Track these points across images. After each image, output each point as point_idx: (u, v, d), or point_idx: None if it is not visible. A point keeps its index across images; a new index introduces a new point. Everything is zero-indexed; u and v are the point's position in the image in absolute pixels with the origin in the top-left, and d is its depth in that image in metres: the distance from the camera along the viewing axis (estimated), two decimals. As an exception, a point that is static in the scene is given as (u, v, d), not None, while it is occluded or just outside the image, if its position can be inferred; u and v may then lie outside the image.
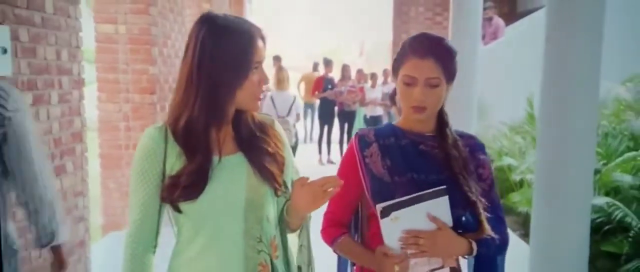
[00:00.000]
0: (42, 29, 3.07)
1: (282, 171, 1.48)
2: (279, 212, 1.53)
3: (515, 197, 5.30)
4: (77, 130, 3.49)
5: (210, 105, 1.37)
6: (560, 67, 3.01)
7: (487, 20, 8.72)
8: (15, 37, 2.80)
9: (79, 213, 3.54)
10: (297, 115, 6.34)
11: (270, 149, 1.47)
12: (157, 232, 1.46)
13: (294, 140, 5.99)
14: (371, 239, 1.61)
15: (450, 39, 5.43)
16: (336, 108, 9.46)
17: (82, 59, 3.57)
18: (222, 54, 1.35)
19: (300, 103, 7.06)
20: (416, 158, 1.58)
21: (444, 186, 1.48)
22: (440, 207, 1.48)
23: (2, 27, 2.68)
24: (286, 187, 1.49)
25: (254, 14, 11.54)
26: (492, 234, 1.54)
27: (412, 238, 1.47)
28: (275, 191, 1.46)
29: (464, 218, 1.54)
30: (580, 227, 3.07)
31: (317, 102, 10.13)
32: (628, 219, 3.25)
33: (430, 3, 10.45)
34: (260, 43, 1.40)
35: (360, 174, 1.59)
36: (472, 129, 5.62)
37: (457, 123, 1.68)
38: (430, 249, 1.48)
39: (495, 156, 6.20)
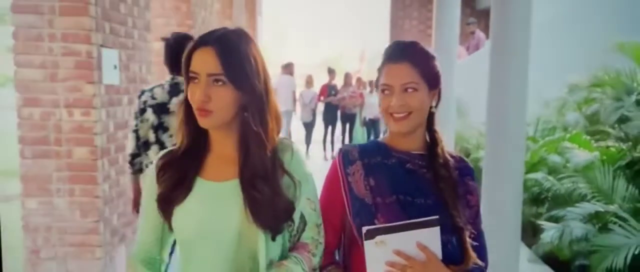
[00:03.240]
0: (132, 51, 4.31)
1: (283, 214, 1.35)
2: (280, 246, 1.37)
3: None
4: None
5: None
6: (500, 79, 4.20)
7: (471, 33, 9.94)
8: (119, 58, 4.04)
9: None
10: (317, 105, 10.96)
11: (269, 190, 1.32)
12: (162, 248, 1.45)
13: (312, 118, 10.75)
14: (354, 269, 1.50)
15: (434, 48, 6.70)
16: (339, 112, 10.74)
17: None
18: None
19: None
20: (403, 178, 1.48)
21: (437, 217, 1.38)
22: (431, 237, 1.39)
23: (114, 51, 3.93)
24: (292, 220, 1.36)
25: (263, 27, 12.83)
26: (479, 262, 1.48)
27: (400, 265, 1.37)
28: (273, 237, 1.33)
29: (449, 245, 1.43)
30: (515, 193, 4.27)
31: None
32: (554, 188, 4.44)
33: (422, 17, 11.74)
34: (201, 54, 1.28)
35: (343, 192, 1.49)
36: (451, 127, 6.84)
37: (437, 122, 2.07)
38: None
39: (473, 149, 7.41)
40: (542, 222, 3.94)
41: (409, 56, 1.46)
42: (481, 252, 1.51)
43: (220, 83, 1.27)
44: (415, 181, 1.48)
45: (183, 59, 1.30)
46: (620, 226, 3.35)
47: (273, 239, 1.32)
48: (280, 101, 8.48)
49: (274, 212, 1.31)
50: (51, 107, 3.58)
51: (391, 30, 12.42)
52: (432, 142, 1.53)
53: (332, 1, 28.03)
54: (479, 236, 1.53)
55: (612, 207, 3.48)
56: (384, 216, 1.43)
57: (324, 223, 1.46)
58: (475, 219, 1.53)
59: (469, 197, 1.53)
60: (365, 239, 1.36)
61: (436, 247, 1.40)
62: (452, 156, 1.54)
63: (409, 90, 1.44)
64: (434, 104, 1.52)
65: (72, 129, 3.61)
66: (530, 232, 4.99)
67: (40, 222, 3.63)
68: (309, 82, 11.07)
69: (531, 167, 5.18)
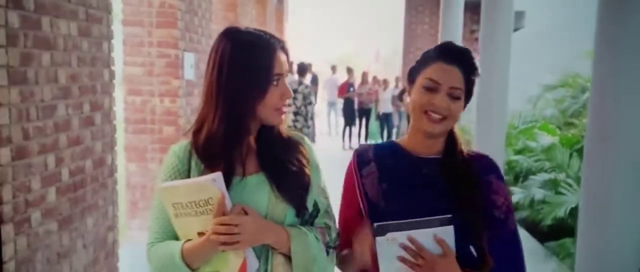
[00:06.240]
0: (201, 53, 5.56)
1: (307, 192, 1.41)
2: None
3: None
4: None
5: (230, 120, 1.33)
6: (486, 80, 5.39)
7: (475, 39, 11.07)
8: (194, 59, 5.28)
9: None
10: None
11: (294, 169, 1.40)
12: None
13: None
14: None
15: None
16: (356, 106, 12.00)
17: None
18: (241, 67, 1.32)
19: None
20: (417, 183, 1.45)
21: (450, 215, 1.34)
22: (444, 236, 1.35)
23: (191, 54, 5.18)
24: (306, 208, 1.41)
25: (289, 30, 14.14)
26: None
27: (412, 252, 1.33)
28: (298, 213, 1.39)
29: (463, 251, 1.38)
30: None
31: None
32: (528, 165, 5.62)
33: (433, 22, 12.87)
34: (281, 56, 1.36)
35: (358, 194, 1.48)
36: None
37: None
38: None
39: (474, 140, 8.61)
40: (512, 188, 5.14)
41: (462, 63, 1.42)
42: (513, 254, 1.44)
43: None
44: (429, 186, 1.44)
45: (265, 62, 1.34)
46: (567, 189, 4.52)
47: (298, 214, 1.39)
48: (327, 95, 10.42)
49: (298, 182, 1.39)
50: (148, 96, 4.83)
51: (405, 33, 13.60)
52: (451, 141, 1.48)
53: (348, 5, 29.57)
54: (511, 237, 1.45)
55: (561, 176, 4.66)
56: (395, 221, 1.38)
57: (344, 221, 1.52)
58: (506, 221, 1.44)
59: (494, 196, 1.45)
60: (376, 235, 1.34)
61: (450, 246, 1.36)
62: (472, 154, 1.50)
63: (453, 95, 1.40)
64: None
65: (163, 113, 4.86)
66: (513, 206, 6.14)
67: (138, 181, 4.89)
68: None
69: (517, 152, 6.37)
